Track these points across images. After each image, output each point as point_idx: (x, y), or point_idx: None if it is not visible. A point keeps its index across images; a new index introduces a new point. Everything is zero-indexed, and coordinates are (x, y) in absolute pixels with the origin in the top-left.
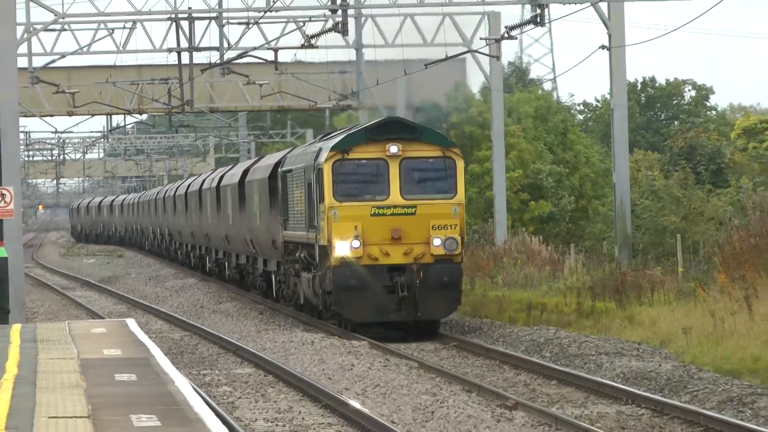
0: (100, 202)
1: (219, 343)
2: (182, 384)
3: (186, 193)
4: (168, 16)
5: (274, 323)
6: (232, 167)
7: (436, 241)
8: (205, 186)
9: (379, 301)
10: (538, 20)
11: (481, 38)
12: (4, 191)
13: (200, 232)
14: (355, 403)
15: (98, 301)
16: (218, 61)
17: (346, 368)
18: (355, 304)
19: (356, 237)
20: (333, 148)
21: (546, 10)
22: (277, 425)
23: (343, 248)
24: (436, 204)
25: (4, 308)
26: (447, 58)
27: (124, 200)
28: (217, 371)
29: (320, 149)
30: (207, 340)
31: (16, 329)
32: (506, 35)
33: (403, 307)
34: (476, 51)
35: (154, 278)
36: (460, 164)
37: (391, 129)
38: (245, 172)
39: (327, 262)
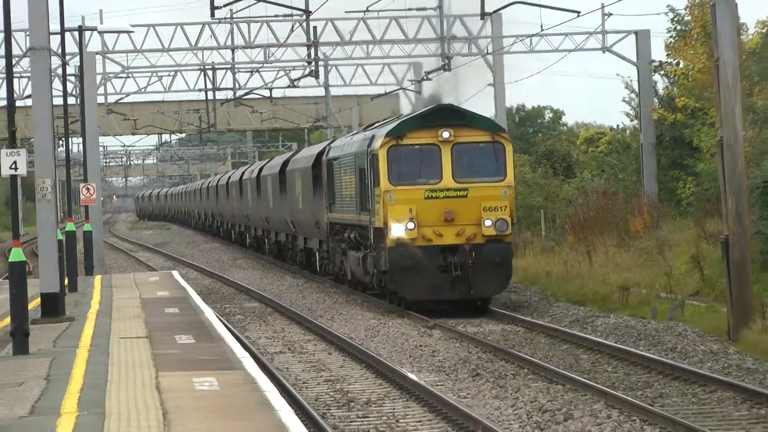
0: (157, 192)
1: (234, 286)
2: (210, 314)
3: (227, 183)
4: (199, 67)
5: (272, 273)
6: (269, 161)
7: (487, 222)
8: (245, 177)
9: (433, 280)
10: (446, 68)
11: (408, 80)
12: (89, 186)
13: (241, 214)
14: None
15: (153, 258)
16: (232, 97)
17: (320, 302)
18: (410, 283)
19: (411, 219)
20: (388, 134)
21: (451, 60)
22: (273, 341)
23: (398, 230)
24: (487, 186)
25: (89, 265)
26: (386, 94)
27: (174, 191)
28: (233, 305)
29: (373, 136)
30: (226, 284)
31: (98, 279)
32: (425, 78)
33: (456, 285)
34: (405, 89)
35: (191, 243)
36: (509, 148)
37: (443, 115)
38: (285, 163)
39: (382, 243)
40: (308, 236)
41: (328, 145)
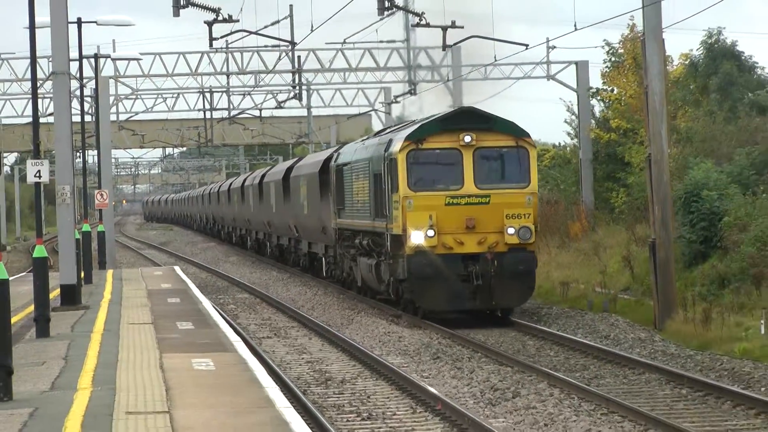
0: (162, 198)
1: (228, 280)
2: (206, 304)
3: (229, 189)
4: (198, 90)
5: (260, 268)
6: (270, 168)
7: (510, 230)
8: (247, 183)
9: (454, 290)
10: (412, 92)
11: (380, 103)
12: (102, 192)
13: (242, 218)
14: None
15: (158, 255)
16: (227, 116)
17: (302, 294)
18: (430, 293)
19: (431, 226)
20: (407, 138)
21: (416, 86)
22: (261, 327)
23: (417, 237)
24: (510, 193)
25: (102, 261)
26: (360, 114)
27: (177, 197)
28: (227, 296)
29: (391, 140)
30: (221, 278)
31: (109, 272)
32: (394, 100)
33: (477, 295)
34: (377, 110)
35: (190, 242)
36: (533, 153)
37: (465, 119)
38: (289, 170)
39: (400, 251)
40: (313, 241)
41: (336, 151)
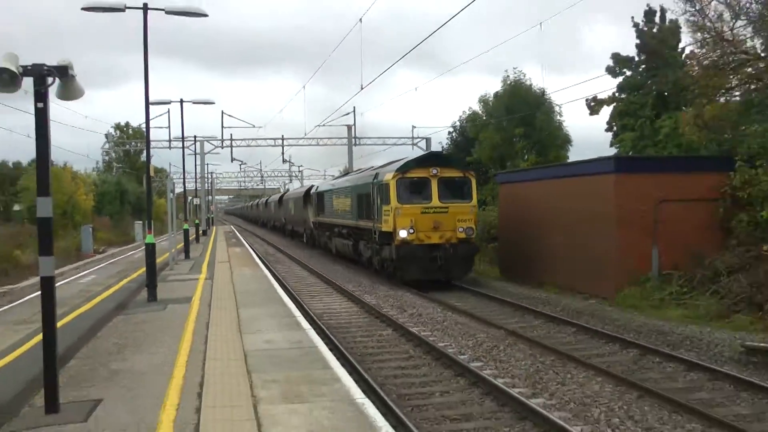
0: (227, 208)
1: (250, 231)
2: (245, 241)
3: (252, 205)
4: (236, 180)
5: (264, 230)
6: (270, 197)
7: (460, 229)
8: (259, 203)
9: (425, 267)
10: (291, 182)
11: (281, 186)
12: (211, 207)
13: (259, 216)
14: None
15: (226, 226)
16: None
17: (279, 239)
18: (411, 269)
19: (411, 226)
20: (397, 170)
21: (292, 182)
22: (263, 247)
23: (403, 233)
24: (460, 206)
25: (205, 233)
26: (278, 187)
27: (232, 208)
28: (250, 238)
29: (378, 173)
30: (247, 232)
31: (214, 228)
32: (284, 185)
33: (440, 270)
34: (280, 188)
35: (231, 223)
36: (474, 181)
37: (433, 159)
38: (281, 197)
39: (389, 242)
40: (295, 225)
41: (311, 187)
